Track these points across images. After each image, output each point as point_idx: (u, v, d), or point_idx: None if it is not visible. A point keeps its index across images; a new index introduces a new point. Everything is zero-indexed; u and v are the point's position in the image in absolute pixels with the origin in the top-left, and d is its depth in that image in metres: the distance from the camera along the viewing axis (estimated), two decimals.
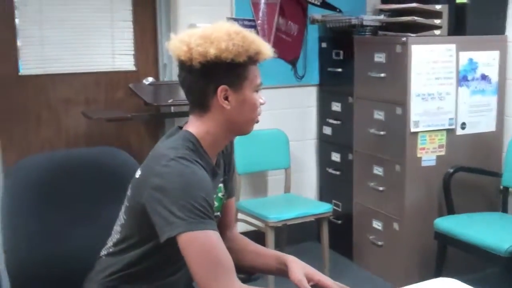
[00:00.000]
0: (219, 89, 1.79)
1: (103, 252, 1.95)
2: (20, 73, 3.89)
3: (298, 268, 1.93)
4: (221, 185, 1.98)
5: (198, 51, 1.74)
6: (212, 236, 1.68)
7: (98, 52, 4.06)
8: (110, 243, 1.94)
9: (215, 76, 1.79)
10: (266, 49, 1.84)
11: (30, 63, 3.89)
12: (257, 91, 1.86)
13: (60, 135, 4.01)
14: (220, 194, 1.98)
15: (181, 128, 1.89)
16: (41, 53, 3.88)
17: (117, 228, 1.92)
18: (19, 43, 3.85)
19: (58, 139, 4.00)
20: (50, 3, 3.87)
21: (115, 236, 1.92)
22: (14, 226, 2.03)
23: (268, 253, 2.08)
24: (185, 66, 1.81)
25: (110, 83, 4.12)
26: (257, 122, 1.91)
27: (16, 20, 3.83)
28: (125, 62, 4.15)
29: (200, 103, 1.84)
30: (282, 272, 1.97)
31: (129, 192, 1.86)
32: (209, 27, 1.81)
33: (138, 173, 1.83)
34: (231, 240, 2.09)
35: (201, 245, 1.66)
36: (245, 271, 2.12)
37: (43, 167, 2.13)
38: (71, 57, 3.98)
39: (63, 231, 2.09)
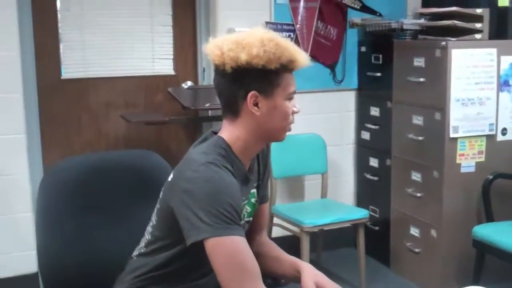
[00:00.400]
0: (249, 94, 1.79)
1: (135, 253, 1.98)
2: (62, 77, 3.98)
3: (310, 276, 1.92)
4: (254, 190, 1.98)
5: (229, 56, 1.76)
6: (238, 241, 1.69)
7: (138, 56, 4.12)
8: (142, 243, 1.96)
9: (246, 82, 1.79)
10: (301, 57, 1.84)
11: (71, 67, 3.98)
12: (290, 99, 1.85)
13: (100, 138, 4.08)
14: (253, 200, 1.98)
15: (215, 133, 1.90)
16: (82, 58, 3.96)
17: (148, 229, 1.94)
18: (61, 47, 3.94)
19: (98, 142, 4.07)
20: (91, 8, 3.94)
21: (146, 237, 1.95)
22: (48, 227, 2.07)
23: (287, 260, 2.08)
24: (218, 70, 1.82)
25: (149, 87, 4.18)
26: (289, 130, 1.90)
27: (59, 25, 3.92)
28: (165, 66, 4.20)
29: (231, 107, 1.85)
30: (297, 279, 1.97)
31: (161, 195, 1.88)
32: (244, 33, 1.83)
33: (170, 177, 1.85)
34: (259, 245, 2.10)
35: (226, 250, 1.67)
36: (273, 277, 2.13)
37: (78, 170, 2.17)
38: (112, 61, 4.05)
39: (96, 233, 2.12)
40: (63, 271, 2.06)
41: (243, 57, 1.75)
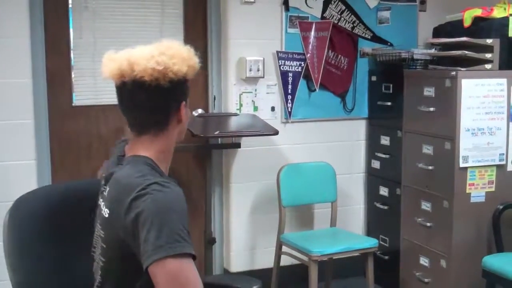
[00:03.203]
0: (182, 104, 1.88)
1: None
2: (73, 104, 4.01)
3: None
4: None
5: (172, 70, 1.79)
6: (184, 261, 1.64)
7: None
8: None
9: (178, 93, 1.86)
10: (197, 65, 1.93)
11: (83, 94, 4.02)
12: None
13: None
14: None
15: (123, 156, 1.90)
16: (94, 85, 4.00)
17: (97, 272, 1.89)
18: (73, 75, 3.98)
19: None
20: (103, 36, 3.99)
21: (98, 280, 1.89)
22: (23, 261, 2.01)
23: None
24: (146, 86, 1.78)
25: None
26: None
27: (71, 53, 3.97)
28: None
29: (158, 121, 1.86)
30: None
31: (101, 234, 1.83)
32: (166, 45, 1.86)
33: (105, 212, 1.79)
34: None
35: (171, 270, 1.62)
36: None
37: (45, 201, 2.12)
38: None
39: (73, 261, 2.09)
40: None
41: (185, 69, 1.83)
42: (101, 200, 1.87)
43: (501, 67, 3.79)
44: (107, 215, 1.78)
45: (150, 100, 1.82)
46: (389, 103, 4.32)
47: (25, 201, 2.10)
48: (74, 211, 2.13)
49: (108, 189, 1.82)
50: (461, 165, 3.68)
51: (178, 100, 1.86)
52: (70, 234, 2.10)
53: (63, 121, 3.99)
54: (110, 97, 3.98)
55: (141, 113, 1.85)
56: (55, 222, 2.08)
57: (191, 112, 1.99)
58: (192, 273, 1.63)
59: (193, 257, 1.66)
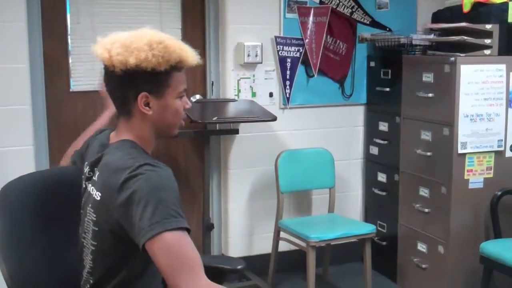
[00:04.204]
0: (140, 96, 1.82)
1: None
2: (71, 89, 4.00)
3: None
4: None
5: (118, 60, 1.78)
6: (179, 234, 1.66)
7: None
8: (87, 275, 1.90)
9: (136, 84, 1.82)
10: (189, 57, 1.87)
11: (80, 79, 4.00)
12: (181, 97, 1.89)
13: None
14: None
15: (107, 144, 1.91)
16: (91, 70, 3.97)
17: (87, 257, 1.89)
18: (70, 60, 3.96)
19: None
20: (101, 21, 3.96)
21: (88, 264, 1.89)
22: (14, 249, 1.99)
23: None
24: (108, 71, 1.84)
25: None
26: (182, 125, 1.95)
27: (69, 38, 3.94)
28: None
29: (123, 108, 1.87)
30: None
31: (93, 217, 1.84)
32: (132, 35, 1.85)
33: (96, 195, 1.81)
34: None
35: (167, 244, 1.65)
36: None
37: (32, 187, 2.09)
38: None
39: (64, 248, 2.07)
40: None
41: (132, 61, 1.78)
42: (89, 185, 1.89)
43: (500, 53, 3.78)
44: (99, 198, 1.80)
45: (109, 86, 1.88)
46: (387, 89, 4.30)
47: (12, 188, 2.06)
48: (61, 197, 2.11)
49: (98, 173, 1.84)
50: (460, 151, 3.67)
51: (135, 90, 1.82)
52: (58, 220, 2.08)
53: (61, 106, 3.97)
54: None
55: (110, 97, 1.91)
56: (43, 209, 2.06)
57: (179, 106, 1.91)
58: (190, 246, 1.66)
59: (188, 231, 1.68)
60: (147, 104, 1.84)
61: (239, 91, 4.19)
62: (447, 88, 3.70)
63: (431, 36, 4.12)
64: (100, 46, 1.84)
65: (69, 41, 3.95)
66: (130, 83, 1.82)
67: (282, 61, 4.27)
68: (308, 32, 4.31)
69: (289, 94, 4.31)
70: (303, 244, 3.83)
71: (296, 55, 4.29)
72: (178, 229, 1.64)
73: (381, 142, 4.39)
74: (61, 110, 3.98)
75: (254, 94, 4.24)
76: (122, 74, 1.79)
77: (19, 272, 1.96)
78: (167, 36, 1.86)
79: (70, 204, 2.06)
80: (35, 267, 2.00)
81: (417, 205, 3.97)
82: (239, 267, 2.33)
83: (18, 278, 1.95)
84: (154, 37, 1.82)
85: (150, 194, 1.66)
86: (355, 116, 4.58)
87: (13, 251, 1.97)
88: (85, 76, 4.00)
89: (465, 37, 3.73)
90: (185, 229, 1.66)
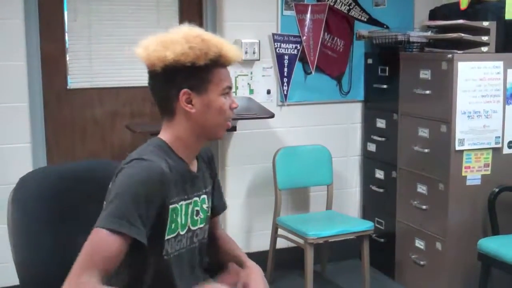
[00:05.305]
0: (181, 92, 1.81)
1: None
2: (68, 87, 3.99)
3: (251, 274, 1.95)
4: (204, 196, 1.97)
5: (155, 56, 1.78)
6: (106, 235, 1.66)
7: (144, 66, 4.11)
8: None
9: (177, 80, 1.81)
10: (230, 51, 1.85)
11: (78, 77, 4.00)
12: (225, 94, 1.86)
13: (105, 148, 4.09)
14: (204, 206, 1.97)
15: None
16: (89, 68, 3.97)
17: None
18: (67, 57, 3.96)
19: (103, 151, 4.08)
20: (98, 18, 3.97)
21: None
22: (26, 239, 2.01)
23: (233, 254, 2.09)
24: (150, 72, 1.85)
25: None
26: (228, 127, 1.91)
27: (66, 35, 3.94)
28: None
29: (166, 108, 1.86)
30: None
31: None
32: (169, 32, 1.84)
33: None
34: (214, 239, 2.12)
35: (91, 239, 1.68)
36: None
37: (50, 180, 2.12)
38: (118, 72, 4.07)
39: (75, 241, 2.03)
40: (47, 283, 1.98)
41: (169, 55, 1.76)
42: None
43: (497, 50, 3.78)
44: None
45: (152, 88, 1.87)
46: (385, 86, 4.31)
47: (30, 179, 2.09)
48: (77, 191, 2.13)
49: None
50: (457, 148, 3.68)
51: (176, 87, 1.81)
52: (73, 214, 2.10)
53: (58, 104, 3.97)
54: (105, 80, 4.04)
55: (153, 98, 1.89)
56: (58, 202, 2.07)
57: (222, 104, 1.87)
58: (105, 248, 1.65)
59: (133, 239, 1.68)
60: (189, 102, 1.82)
61: (236, 88, 4.18)
62: (445, 85, 3.70)
63: (429, 33, 4.12)
64: (139, 46, 1.85)
65: (67, 38, 3.95)
66: (171, 79, 1.81)
67: (279, 58, 4.27)
68: (306, 29, 4.31)
69: (287, 91, 4.31)
70: (301, 241, 3.83)
71: (293, 52, 4.29)
72: (112, 230, 1.65)
73: (379, 139, 4.40)
74: (58, 107, 3.97)
75: (251, 91, 4.24)
76: (162, 71, 1.79)
77: (27, 260, 1.98)
78: (205, 32, 1.85)
79: (86, 199, 2.09)
80: (46, 257, 2.02)
81: (415, 202, 3.98)
82: None
83: (27, 266, 1.98)
84: (191, 32, 1.82)
85: (117, 189, 1.70)
86: (352, 113, 4.58)
87: (24, 239, 1.99)
88: (83, 74, 4.00)
89: (463, 34, 3.73)
90: (122, 234, 1.66)
